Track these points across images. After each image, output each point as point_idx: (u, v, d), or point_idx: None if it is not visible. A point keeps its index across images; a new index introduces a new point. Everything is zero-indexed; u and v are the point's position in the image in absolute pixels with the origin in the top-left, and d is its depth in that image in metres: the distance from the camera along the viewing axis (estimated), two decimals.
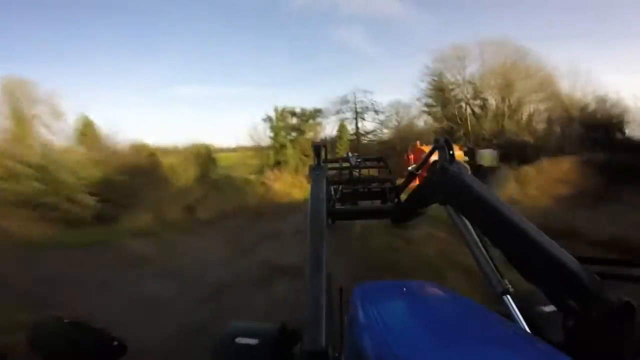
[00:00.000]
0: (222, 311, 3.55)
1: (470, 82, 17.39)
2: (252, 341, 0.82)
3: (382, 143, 19.33)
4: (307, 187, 1.23)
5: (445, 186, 0.97)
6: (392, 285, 1.06)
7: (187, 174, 12.01)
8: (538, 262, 0.70)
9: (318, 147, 1.42)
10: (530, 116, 15.95)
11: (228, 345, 0.85)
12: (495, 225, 0.81)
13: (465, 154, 13.45)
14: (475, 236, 0.88)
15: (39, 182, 8.40)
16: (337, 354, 0.76)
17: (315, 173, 1.27)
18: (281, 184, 13.68)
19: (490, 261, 0.82)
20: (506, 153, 13.69)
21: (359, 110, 19.95)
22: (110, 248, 6.34)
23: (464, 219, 0.91)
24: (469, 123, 17.19)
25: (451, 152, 0.97)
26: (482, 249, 0.85)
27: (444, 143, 0.99)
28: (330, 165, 1.67)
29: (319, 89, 37.90)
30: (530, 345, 0.56)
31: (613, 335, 0.57)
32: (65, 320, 0.78)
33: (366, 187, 1.65)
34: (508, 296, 0.74)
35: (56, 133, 10.62)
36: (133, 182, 9.87)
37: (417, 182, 1.24)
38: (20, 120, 9.70)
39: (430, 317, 0.74)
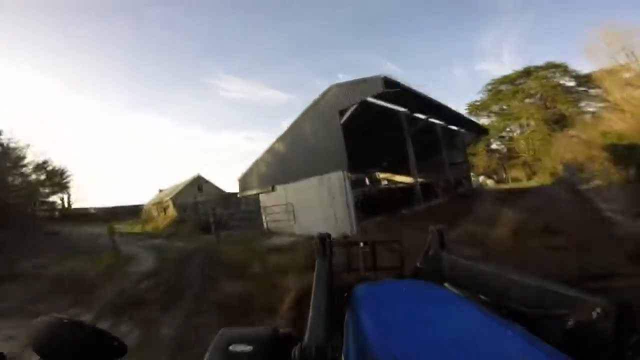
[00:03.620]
0: None
1: None
2: (247, 348, 0.79)
3: None
4: None
5: (441, 270, 1.24)
6: (391, 285, 1.17)
7: None
8: (532, 296, 0.79)
9: (323, 237, 1.48)
10: None
11: (222, 354, 0.81)
12: (489, 281, 0.96)
13: None
14: (477, 299, 0.95)
15: None
16: (337, 354, 0.75)
17: (319, 258, 1.39)
18: None
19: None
20: None
21: None
22: None
23: (464, 290, 1.03)
24: None
25: (442, 238, 1.30)
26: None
27: (437, 232, 1.31)
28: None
29: None
30: (530, 345, 0.56)
31: (612, 336, 0.58)
32: (65, 320, 0.75)
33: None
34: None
35: None
36: None
37: None
38: None
39: (429, 316, 0.75)
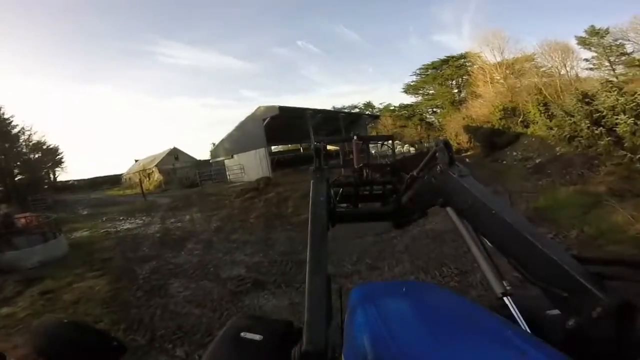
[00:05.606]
0: None
1: None
2: (257, 337, 0.85)
3: None
4: None
5: (445, 189, 0.98)
6: (391, 285, 1.11)
7: None
8: (538, 264, 0.70)
9: (318, 148, 1.39)
10: None
11: (232, 339, 0.88)
12: (495, 227, 0.81)
13: None
14: (476, 238, 0.88)
15: None
16: (336, 354, 0.77)
17: (315, 175, 1.27)
18: None
19: (491, 263, 0.82)
20: None
21: None
22: None
23: (465, 221, 0.92)
24: None
25: (451, 154, 0.97)
26: (483, 250, 0.86)
27: (444, 145, 0.99)
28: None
29: None
30: (530, 345, 0.56)
31: (613, 335, 0.56)
32: (65, 321, 0.84)
33: (367, 189, 1.67)
34: (508, 297, 0.74)
35: None
36: None
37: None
38: None
39: (429, 317, 0.75)
